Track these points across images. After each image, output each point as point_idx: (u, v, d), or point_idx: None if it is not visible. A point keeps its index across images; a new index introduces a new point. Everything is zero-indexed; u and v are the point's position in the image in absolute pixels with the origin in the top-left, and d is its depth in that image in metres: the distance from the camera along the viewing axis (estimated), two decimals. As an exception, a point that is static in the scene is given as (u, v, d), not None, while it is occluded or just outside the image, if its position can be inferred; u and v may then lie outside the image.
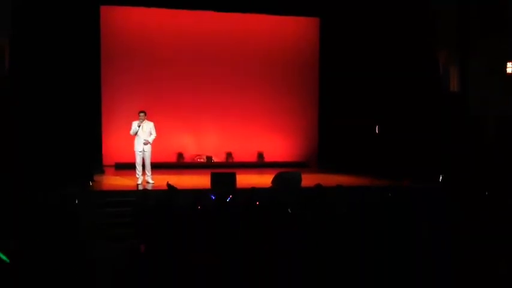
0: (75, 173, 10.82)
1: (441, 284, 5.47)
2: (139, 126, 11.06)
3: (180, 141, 15.64)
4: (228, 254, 5.73)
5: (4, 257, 5.03)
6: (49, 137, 10.78)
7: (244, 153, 16.00)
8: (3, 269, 4.98)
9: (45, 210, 7.18)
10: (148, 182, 11.29)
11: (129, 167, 12.13)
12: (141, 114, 11.12)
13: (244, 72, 16.05)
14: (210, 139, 15.91)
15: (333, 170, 14.48)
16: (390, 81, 13.56)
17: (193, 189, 10.23)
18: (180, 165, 15.30)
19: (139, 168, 11.23)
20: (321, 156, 16.32)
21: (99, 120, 13.86)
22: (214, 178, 10.63)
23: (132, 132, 11.13)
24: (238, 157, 15.95)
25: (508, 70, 12.33)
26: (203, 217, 7.13)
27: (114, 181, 12.03)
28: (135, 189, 10.74)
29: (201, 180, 11.34)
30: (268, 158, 16.16)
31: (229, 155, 15.98)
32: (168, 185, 9.02)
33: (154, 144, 11.44)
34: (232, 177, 10.72)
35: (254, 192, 8.74)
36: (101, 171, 13.30)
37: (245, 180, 11.33)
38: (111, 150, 14.37)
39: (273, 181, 11.19)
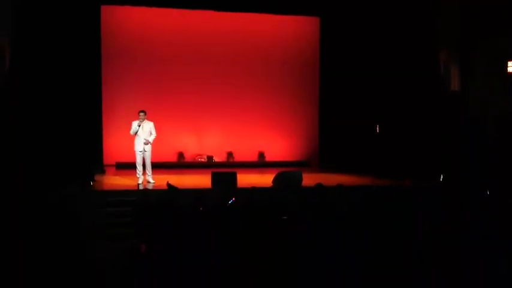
0: (75, 173, 10.83)
1: (441, 284, 5.47)
2: (139, 126, 11.06)
3: (181, 141, 15.65)
4: (228, 254, 5.73)
5: None
6: (49, 136, 10.79)
7: (245, 152, 16.00)
8: (4, 269, 4.98)
9: (45, 210, 7.18)
10: (149, 182, 11.29)
11: (129, 166, 12.13)
12: (141, 113, 11.12)
13: (245, 72, 16.06)
14: (211, 139, 15.92)
15: (333, 169, 14.48)
16: (391, 80, 13.56)
17: (194, 189, 10.23)
18: (181, 165, 15.31)
19: (139, 168, 11.23)
20: (322, 155, 16.31)
21: (100, 120, 13.85)
22: (215, 178, 10.63)
23: (132, 132, 11.14)
24: (239, 157, 15.95)
25: (509, 69, 12.31)
26: (204, 217, 7.13)
27: (114, 181, 12.03)
28: (136, 189, 10.74)
29: (202, 180, 11.34)
30: (269, 158, 16.17)
31: (230, 154, 15.98)
32: (168, 185, 9.01)
33: (155, 144, 11.44)
34: (233, 176, 10.72)
35: (255, 191, 8.73)
36: (102, 171, 13.31)
37: (246, 179, 11.33)
38: (111, 150, 14.38)
39: (274, 180, 11.18)
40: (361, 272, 5.48)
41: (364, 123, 14.26)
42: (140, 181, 11.19)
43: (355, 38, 14.54)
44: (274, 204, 7.73)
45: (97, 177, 12.05)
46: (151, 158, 11.36)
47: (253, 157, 16.13)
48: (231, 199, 8.44)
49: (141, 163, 11.25)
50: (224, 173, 11.25)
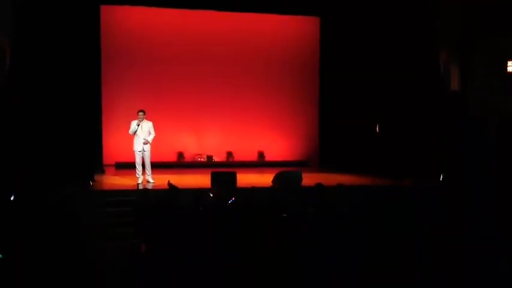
0: (75, 173, 10.82)
1: (441, 284, 5.47)
2: (138, 125, 11.06)
3: (181, 141, 15.65)
4: (228, 254, 5.73)
5: None
6: (49, 136, 10.78)
7: (245, 152, 16.00)
8: (4, 269, 4.98)
9: (45, 210, 7.17)
10: (148, 182, 11.30)
11: (129, 166, 12.13)
12: (140, 113, 11.12)
13: (245, 72, 16.05)
14: (211, 138, 15.91)
15: (333, 169, 14.48)
16: (391, 80, 13.55)
17: (194, 188, 10.21)
18: (181, 164, 15.31)
19: (139, 168, 11.23)
20: (322, 155, 16.31)
21: (100, 120, 13.83)
22: (215, 177, 10.63)
23: (131, 131, 11.13)
24: (238, 156, 15.95)
25: (509, 69, 12.31)
26: (204, 217, 7.13)
27: (114, 181, 12.03)
28: (136, 188, 10.74)
29: (202, 180, 11.33)
30: (268, 157, 16.17)
31: (229, 154, 15.98)
32: (169, 184, 8.99)
33: (155, 143, 11.44)
34: (233, 176, 10.72)
35: (254, 191, 8.72)
36: (101, 171, 13.31)
37: (246, 179, 11.33)
38: (111, 150, 14.37)
39: (274, 180, 11.18)
40: (361, 272, 5.48)
41: (364, 123, 14.25)
42: (140, 181, 11.19)
43: (355, 37, 14.53)
44: (274, 204, 7.72)
45: (97, 177, 12.04)
46: (151, 158, 11.36)
47: (252, 157, 16.13)
48: (231, 199, 8.44)
49: (141, 163, 11.25)
50: (224, 172, 11.25)
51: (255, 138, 16.16)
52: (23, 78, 10.58)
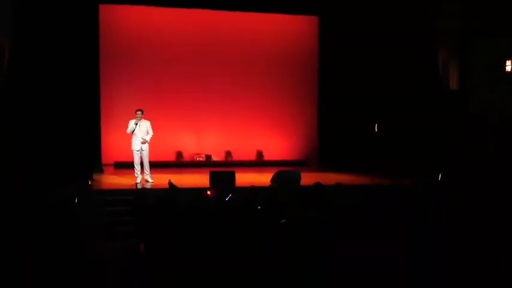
0: (74, 172, 10.79)
1: (441, 283, 5.47)
2: (136, 124, 11.04)
3: (179, 140, 15.63)
4: (227, 254, 5.73)
5: None
6: (48, 136, 10.77)
7: (244, 151, 15.99)
8: (4, 269, 4.97)
9: (45, 210, 7.17)
10: (147, 181, 11.28)
11: (128, 165, 12.11)
12: (138, 112, 11.11)
13: (243, 71, 16.04)
14: (210, 138, 15.90)
15: (332, 168, 14.46)
16: (390, 79, 13.55)
17: (193, 188, 10.21)
18: (180, 164, 15.29)
19: (137, 167, 11.22)
20: (321, 154, 16.31)
21: (98, 119, 13.82)
22: (214, 177, 10.62)
23: (128, 130, 11.12)
24: (237, 156, 15.94)
25: (507, 68, 12.33)
26: (203, 216, 7.12)
27: (113, 180, 12.01)
28: (134, 188, 10.72)
29: (201, 179, 11.32)
30: (267, 157, 16.15)
31: (228, 153, 15.96)
32: (170, 183, 8.98)
33: (154, 143, 11.42)
34: (232, 176, 10.71)
35: (253, 191, 8.72)
36: (100, 170, 13.28)
37: (244, 178, 11.32)
38: (110, 149, 14.36)
39: (273, 180, 11.18)
40: (361, 271, 5.48)
41: (362, 122, 14.25)
42: (138, 180, 11.17)
43: (353, 37, 14.52)
44: (273, 204, 7.72)
45: (95, 177, 12.02)
46: (150, 157, 11.35)
47: (251, 156, 16.12)
48: (228, 195, 8.43)
49: (139, 162, 11.23)
50: (222, 172, 11.24)
51: (254, 137, 16.14)
52: (21, 78, 10.56)
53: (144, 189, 10.69)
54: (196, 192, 7.98)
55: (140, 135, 11.11)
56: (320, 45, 16.30)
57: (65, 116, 11.18)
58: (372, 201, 8.26)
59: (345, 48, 14.92)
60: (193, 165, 15.24)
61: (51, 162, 10.48)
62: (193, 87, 15.60)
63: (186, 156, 15.70)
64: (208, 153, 15.77)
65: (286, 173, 11.50)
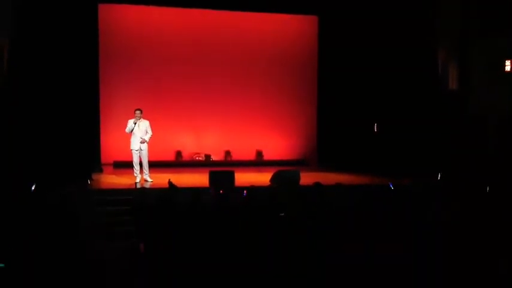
0: (73, 172, 10.79)
1: (441, 283, 5.47)
2: (135, 124, 11.02)
3: (179, 140, 15.61)
4: (227, 254, 5.72)
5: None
6: (47, 136, 10.77)
7: (243, 151, 15.97)
8: (4, 269, 4.97)
9: (45, 210, 7.16)
10: (146, 181, 11.27)
11: (127, 165, 12.11)
12: (137, 112, 11.10)
13: (243, 71, 16.02)
14: (209, 137, 15.88)
15: (332, 168, 14.46)
16: (389, 79, 13.55)
17: (192, 187, 10.20)
18: (179, 163, 15.28)
19: (136, 167, 11.21)
20: (320, 154, 16.30)
21: (98, 119, 13.83)
22: (213, 176, 10.62)
23: (127, 130, 11.10)
24: (237, 155, 15.92)
25: (507, 68, 12.33)
26: (203, 216, 7.12)
27: (112, 180, 12.00)
28: (134, 187, 10.72)
29: (200, 179, 11.32)
30: (267, 157, 16.14)
31: (228, 153, 15.95)
32: (170, 182, 8.97)
33: (153, 142, 11.41)
34: (231, 175, 10.71)
35: (252, 190, 8.72)
36: (100, 170, 13.27)
37: (244, 178, 11.32)
38: (109, 149, 14.35)
39: (272, 179, 11.18)
40: (360, 271, 5.48)
41: (362, 122, 14.25)
42: (138, 180, 11.17)
43: (353, 37, 14.50)
44: (273, 203, 7.72)
45: (95, 176, 12.01)
46: (149, 157, 11.34)
47: (251, 156, 16.11)
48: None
49: (138, 162, 11.23)
50: (222, 171, 11.24)
51: (253, 137, 16.14)
52: (21, 78, 10.56)
53: (143, 188, 10.69)
54: (195, 192, 7.96)
55: (139, 135, 11.10)
56: (320, 45, 16.29)
57: (65, 115, 11.18)
58: (372, 201, 8.26)
59: (344, 48, 14.90)
60: (192, 164, 15.23)
61: (50, 162, 10.48)
62: (192, 87, 15.59)
63: (186, 155, 15.68)
64: (208, 152, 15.76)
65: (285, 172, 11.50)
